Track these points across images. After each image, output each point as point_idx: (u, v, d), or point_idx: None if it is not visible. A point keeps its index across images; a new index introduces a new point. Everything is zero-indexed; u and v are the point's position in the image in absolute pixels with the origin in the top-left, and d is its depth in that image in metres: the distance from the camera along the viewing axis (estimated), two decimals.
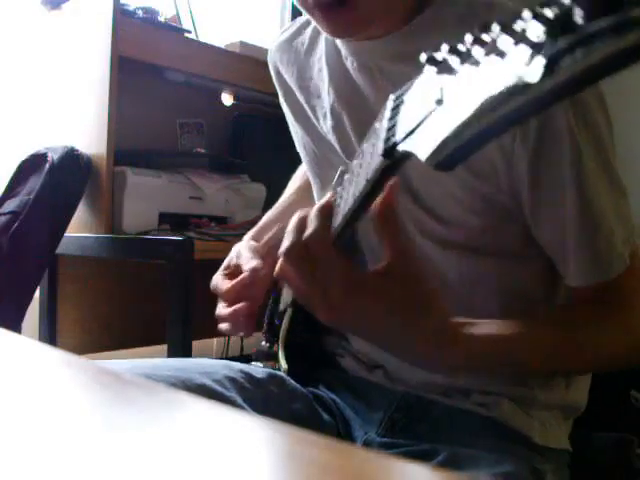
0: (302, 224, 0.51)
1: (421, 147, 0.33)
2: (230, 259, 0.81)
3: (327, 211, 0.51)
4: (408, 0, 0.62)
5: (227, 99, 1.88)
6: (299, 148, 0.82)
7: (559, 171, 0.59)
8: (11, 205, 1.40)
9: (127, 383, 0.34)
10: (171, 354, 1.31)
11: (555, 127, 0.58)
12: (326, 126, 0.74)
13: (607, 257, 0.61)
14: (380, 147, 0.39)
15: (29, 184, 1.42)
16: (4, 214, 1.39)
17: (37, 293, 1.58)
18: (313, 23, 0.70)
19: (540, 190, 0.61)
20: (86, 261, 1.68)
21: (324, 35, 0.73)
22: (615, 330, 0.62)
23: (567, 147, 0.58)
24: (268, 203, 1.72)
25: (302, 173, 0.94)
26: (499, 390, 0.68)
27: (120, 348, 1.76)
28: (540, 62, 0.25)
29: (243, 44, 1.77)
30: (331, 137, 0.74)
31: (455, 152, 0.31)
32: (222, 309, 0.75)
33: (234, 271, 0.79)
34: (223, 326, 0.75)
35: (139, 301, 1.79)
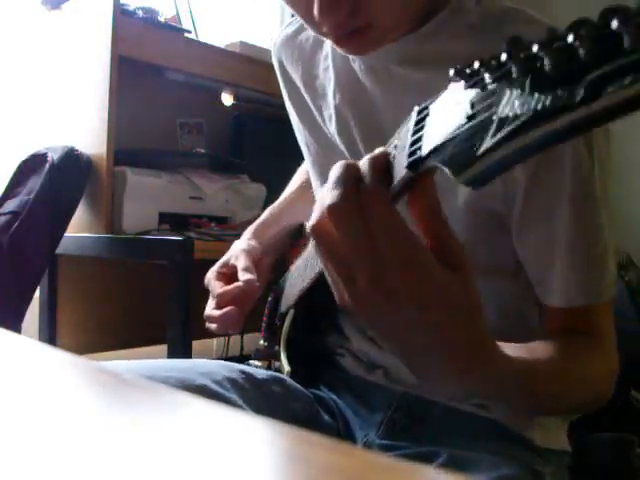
0: (353, 172, 0.40)
1: (450, 162, 0.32)
2: (228, 258, 0.81)
3: (382, 165, 0.40)
4: (419, 6, 0.61)
5: (227, 99, 1.89)
6: (302, 147, 0.82)
7: (557, 188, 0.58)
8: (11, 205, 1.40)
9: (127, 383, 0.34)
10: (171, 354, 1.31)
11: (559, 147, 0.57)
12: (332, 127, 0.73)
13: (598, 280, 0.60)
14: (404, 159, 0.38)
15: (29, 184, 1.42)
16: (4, 214, 1.39)
17: (37, 293, 1.58)
18: None
19: (533, 205, 0.60)
20: (86, 261, 1.68)
21: None
22: (599, 362, 0.60)
23: (569, 164, 0.57)
24: (268, 203, 1.72)
25: (304, 171, 0.94)
26: None
27: (120, 348, 1.76)
28: (578, 88, 0.25)
29: (243, 44, 1.77)
30: (337, 138, 0.73)
31: (487, 170, 0.30)
32: (212, 311, 0.75)
33: (229, 272, 0.79)
34: (211, 326, 0.76)
35: (139, 301, 1.79)
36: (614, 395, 0.82)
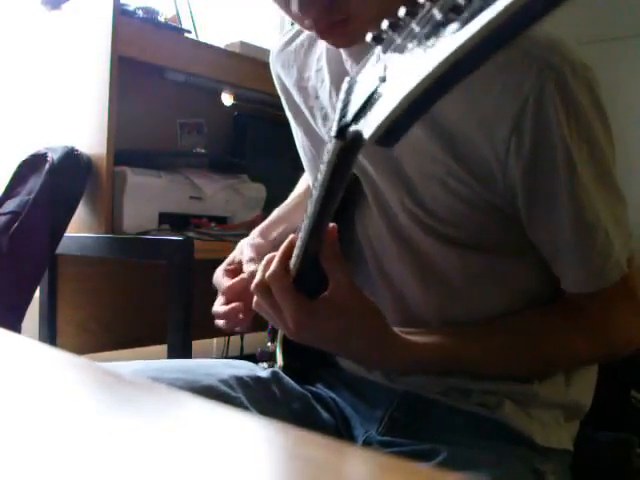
0: (269, 263, 0.61)
1: (365, 125, 0.33)
2: (235, 255, 0.81)
3: (288, 252, 0.59)
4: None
5: (227, 99, 1.89)
6: (299, 150, 0.83)
7: (552, 180, 0.60)
8: (11, 205, 1.40)
9: (127, 383, 0.34)
10: (171, 354, 1.31)
11: (549, 137, 0.58)
12: (325, 127, 0.74)
13: (602, 266, 0.63)
14: (334, 129, 0.40)
15: (29, 184, 1.42)
16: (4, 214, 1.39)
17: (37, 293, 1.58)
18: None
19: (534, 198, 0.62)
20: (86, 261, 1.68)
21: None
22: (592, 339, 0.66)
23: (561, 156, 0.58)
24: (268, 203, 1.73)
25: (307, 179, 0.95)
26: (499, 389, 0.68)
27: (120, 348, 1.76)
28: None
29: (243, 44, 1.77)
30: (328, 137, 0.74)
31: (394, 128, 0.31)
32: (219, 307, 0.76)
33: (236, 268, 0.79)
34: (219, 322, 0.76)
35: (139, 301, 1.79)
36: (614, 395, 0.82)
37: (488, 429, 0.67)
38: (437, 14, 0.27)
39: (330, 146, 0.42)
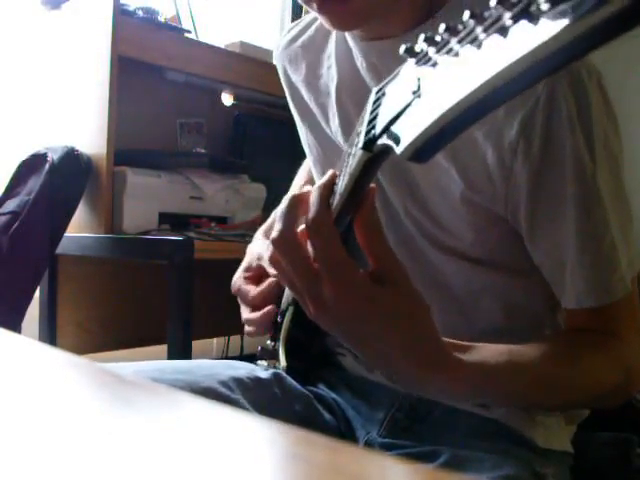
0: (295, 206, 0.48)
1: (396, 138, 0.33)
2: (251, 261, 0.80)
3: (328, 192, 0.46)
4: (416, 3, 0.61)
5: (227, 99, 1.88)
6: (305, 147, 0.82)
7: (560, 191, 0.58)
8: (11, 205, 1.40)
9: (127, 383, 0.34)
10: (171, 354, 1.31)
11: (560, 139, 0.56)
12: (334, 125, 0.73)
13: (607, 280, 0.59)
14: (361, 140, 0.39)
15: (29, 184, 1.42)
16: (4, 214, 1.39)
17: (37, 293, 1.58)
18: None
19: (539, 209, 0.60)
20: (86, 261, 1.68)
21: (335, 33, 0.73)
22: (612, 360, 0.60)
23: (571, 160, 0.57)
24: (268, 203, 1.73)
25: (307, 168, 0.94)
26: None
27: (120, 348, 1.76)
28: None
29: (243, 44, 1.77)
30: (339, 136, 0.73)
31: (427, 144, 0.31)
32: (250, 314, 0.75)
33: (256, 274, 0.78)
34: (250, 329, 0.75)
35: (139, 301, 1.79)
36: None
37: (489, 431, 0.67)
38: (481, 34, 0.27)
39: (356, 157, 0.41)
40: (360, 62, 0.68)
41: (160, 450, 0.23)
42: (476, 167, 0.61)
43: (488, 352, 0.52)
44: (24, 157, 1.48)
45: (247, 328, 0.76)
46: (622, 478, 0.76)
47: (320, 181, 0.47)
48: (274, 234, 0.47)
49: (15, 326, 1.35)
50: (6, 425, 0.25)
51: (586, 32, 0.23)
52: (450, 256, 0.66)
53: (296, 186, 0.96)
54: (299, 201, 0.48)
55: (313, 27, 0.77)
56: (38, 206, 1.38)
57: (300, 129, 0.82)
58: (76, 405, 0.29)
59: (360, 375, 0.77)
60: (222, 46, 1.76)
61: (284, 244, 0.46)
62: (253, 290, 0.75)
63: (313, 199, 0.46)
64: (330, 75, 0.73)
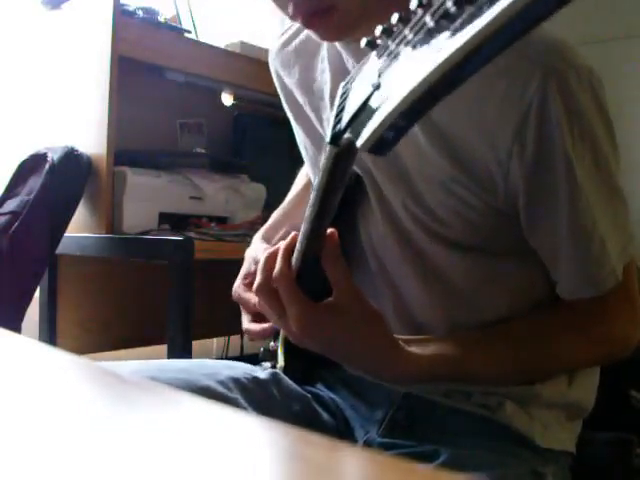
0: (271, 262, 0.59)
1: (356, 132, 0.33)
2: (249, 267, 0.80)
3: (290, 249, 0.58)
4: (399, 6, 0.61)
5: (227, 99, 1.88)
6: (301, 148, 0.82)
7: (553, 187, 0.60)
8: (11, 205, 1.40)
9: (127, 383, 0.34)
10: (171, 354, 1.31)
11: (552, 144, 0.58)
12: (329, 129, 0.73)
13: (596, 276, 0.62)
14: (328, 135, 0.40)
15: (29, 184, 1.42)
16: (4, 214, 1.39)
17: (37, 293, 1.58)
18: None
19: (534, 203, 0.62)
20: (86, 261, 1.68)
21: None
22: (591, 342, 0.66)
23: (562, 163, 0.58)
24: (268, 203, 1.73)
25: (306, 172, 0.94)
26: (500, 390, 0.68)
27: (120, 348, 1.76)
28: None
29: (243, 44, 1.77)
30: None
31: (384, 136, 0.31)
32: (250, 324, 0.76)
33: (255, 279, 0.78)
34: (254, 331, 0.76)
35: (139, 301, 1.79)
36: (614, 395, 0.81)
37: (489, 430, 0.67)
38: (429, 21, 0.27)
39: (324, 151, 0.42)
40: (351, 64, 0.68)
41: (160, 450, 0.23)
42: (474, 163, 0.61)
43: (445, 341, 0.64)
44: (24, 157, 1.48)
45: (249, 337, 0.77)
46: (622, 478, 0.76)
47: (284, 242, 0.60)
48: (256, 284, 0.61)
49: (15, 326, 1.35)
50: (6, 425, 0.25)
51: (523, 7, 0.24)
52: (450, 248, 0.67)
53: (296, 188, 0.96)
54: (274, 256, 0.60)
55: (305, 30, 0.77)
56: (38, 206, 1.38)
57: (296, 131, 0.82)
58: (76, 405, 0.29)
59: (359, 375, 0.77)
60: (222, 46, 1.76)
61: (262, 292, 0.60)
62: (253, 298, 0.75)
63: (278, 258, 0.59)
64: (324, 79, 0.74)
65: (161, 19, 1.60)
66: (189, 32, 1.72)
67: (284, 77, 0.80)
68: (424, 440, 0.67)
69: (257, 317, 0.75)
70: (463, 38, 0.25)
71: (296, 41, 0.78)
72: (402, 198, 0.67)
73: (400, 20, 0.29)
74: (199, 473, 0.21)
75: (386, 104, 0.29)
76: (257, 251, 0.80)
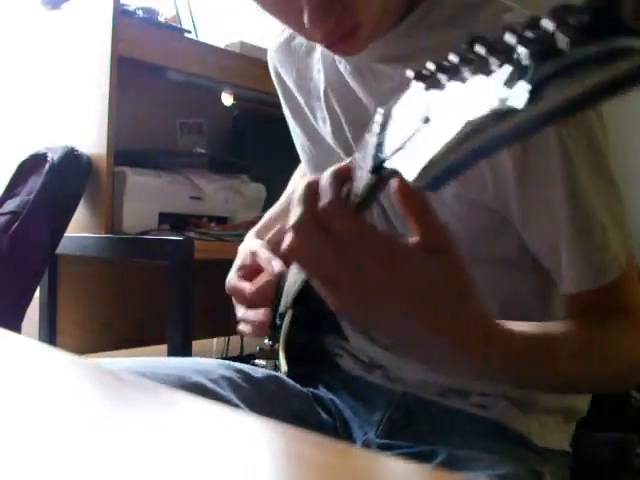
0: (313, 191, 0.43)
1: (407, 166, 0.32)
2: (244, 259, 0.80)
3: (344, 176, 0.44)
4: (399, 3, 0.62)
5: (227, 99, 1.88)
6: (298, 149, 0.82)
7: (547, 177, 0.58)
8: (11, 205, 1.40)
9: (127, 383, 0.34)
10: (171, 354, 1.31)
11: (543, 136, 0.56)
12: (326, 129, 0.74)
13: (600, 262, 0.59)
14: (369, 164, 0.39)
15: (29, 184, 1.42)
16: (4, 214, 1.39)
17: (37, 293, 1.58)
18: None
19: (528, 196, 0.60)
20: (86, 261, 1.68)
21: None
22: (630, 332, 0.59)
23: (556, 152, 0.57)
24: (268, 203, 1.73)
25: (302, 171, 0.94)
26: (497, 391, 0.68)
27: (120, 348, 1.76)
28: (525, 87, 0.24)
29: (243, 44, 1.77)
30: (330, 140, 0.73)
31: (441, 174, 0.30)
32: (246, 312, 0.72)
33: (249, 272, 0.78)
34: (245, 328, 0.73)
35: (139, 301, 1.79)
36: (614, 395, 0.81)
37: (487, 430, 0.67)
38: (495, 67, 0.26)
39: (363, 179, 0.40)
40: (343, 66, 0.68)
41: (159, 449, 0.23)
42: None
43: (526, 326, 0.51)
44: (24, 157, 1.48)
45: (241, 327, 0.73)
46: (622, 478, 0.76)
47: (334, 167, 0.45)
48: (294, 220, 0.43)
49: (15, 326, 1.35)
50: (6, 425, 0.25)
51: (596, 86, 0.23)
52: None
53: (293, 185, 0.96)
54: (317, 186, 0.44)
55: None
56: (38, 206, 1.38)
57: (293, 130, 0.82)
58: (76, 405, 0.29)
59: (358, 375, 0.77)
60: (222, 46, 1.76)
61: (309, 229, 0.42)
62: (249, 287, 0.74)
63: (326, 183, 0.43)
64: (320, 79, 0.74)
65: (161, 19, 1.60)
66: (189, 32, 1.72)
67: (283, 75, 0.80)
68: (422, 440, 0.67)
69: (252, 307, 0.73)
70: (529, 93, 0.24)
71: (295, 42, 0.78)
72: (389, 198, 0.67)
73: (460, 59, 0.29)
74: (198, 472, 0.21)
75: (441, 139, 0.29)
76: (254, 245, 0.80)
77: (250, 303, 0.73)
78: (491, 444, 0.64)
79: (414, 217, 0.42)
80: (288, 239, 0.44)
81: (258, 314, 0.70)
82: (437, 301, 0.43)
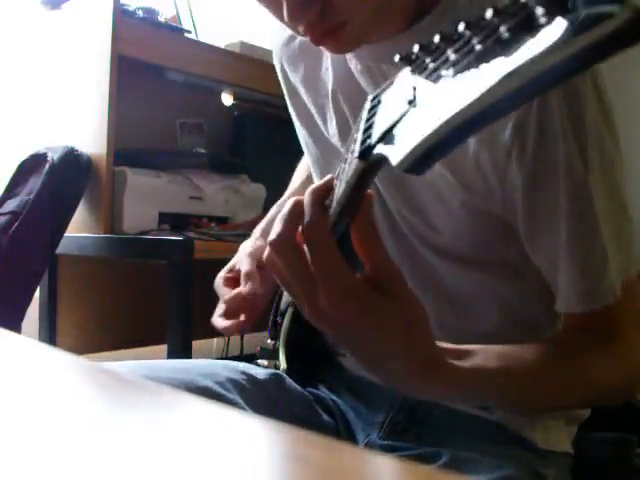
0: (296, 211, 0.46)
1: (393, 150, 0.32)
2: (235, 262, 0.80)
3: (324, 196, 0.45)
4: (405, 5, 0.60)
5: (227, 99, 1.88)
6: (303, 146, 0.82)
7: (554, 195, 0.57)
8: (11, 205, 1.40)
9: (127, 383, 0.34)
10: (171, 354, 1.31)
11: (552, 153, 0.56)
12: (332, 128, 0.73)
13: (594, 288, 0.58)
14: (357, 149, 0.38)
15: (29, 184, 1.42)
16: (4, 214, 1.39)
17: (37, 293, 1.58)
18: None
19: (535, 211, 0.59)
20: (86, 261, 1.68)
21: None
22: (610, 359, 0.59)
23: (562, 173, 0.56)
24: (268, 203, 1.73)
25: (306, 166, 0.94)
26: None
27: (120, 348, 1.76)
28: (505, 63, 0.25)
29: (243, 44, 1.77)
30: (337, 139, 0.73)
31: (424, 156, 0.30)
32: (218, 319, 0.75)
33: (236, 276, 0.78)
34: (219, 328, 0.76)
35: (139, 301, 1.79)
36: None
37: (489, 432, 0.67)
38: (478, 45, 0.26)
39: (352, 165, 0.40)
40: (354, 65, 0.67)
41: (160, 450, 0.23)
42: (471, 169, 0.60)
43: (484, 357, 0.52)
44: (24, 157, 1.48)
45: (216, 325, 0.76)
46: (622, 478, 0.76)
47: (315, 185, 0.47)
48: (272, 237, 0.46)
49: (15, 326, 1.35)
50: (6, 425, 0.25)
51: (586, 46, 0.23)
52: (444, 258, 0.66)
53: (294, 184, 0.96)
54: (301, 205, 0.46)
55: None
56: (38, 206, 1.38)
57: (298, 129, 0.81)
58: (76, 405, 0.29)
59: (360, 375, 0.77)
60: (222, 46, 1.76)
61: (281, 247, 0.46)
62: (227, 295, 0.76)
63: (307, 203, 0.45)
64: (328, 77, 0.73)
65: (161, 19, 1.60)
66: (189, 32, 1.72)
67: (289, 72, 0.79)
68: (425, 442, 0.67)
69: (227, 313, 0.75)
70: (514, 64, 0.25)
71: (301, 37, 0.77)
72: (397, 203, 0.67)
73: (443, 39, 0.29)
74: (199, 473, 0.21)
75: (426, 123, 0.29)
76: (245, 250, 0.80)
77: (225, 310, 0.75)
78: (494, 446, 0.64)
79: (365, 254, 0.45)
80: (266, 253, 0.48)
81: (224, 328, 0.74)
82: (386, 344, 0.45)
